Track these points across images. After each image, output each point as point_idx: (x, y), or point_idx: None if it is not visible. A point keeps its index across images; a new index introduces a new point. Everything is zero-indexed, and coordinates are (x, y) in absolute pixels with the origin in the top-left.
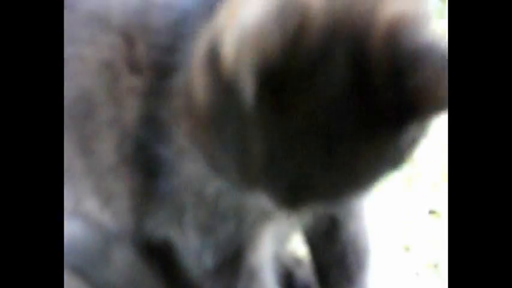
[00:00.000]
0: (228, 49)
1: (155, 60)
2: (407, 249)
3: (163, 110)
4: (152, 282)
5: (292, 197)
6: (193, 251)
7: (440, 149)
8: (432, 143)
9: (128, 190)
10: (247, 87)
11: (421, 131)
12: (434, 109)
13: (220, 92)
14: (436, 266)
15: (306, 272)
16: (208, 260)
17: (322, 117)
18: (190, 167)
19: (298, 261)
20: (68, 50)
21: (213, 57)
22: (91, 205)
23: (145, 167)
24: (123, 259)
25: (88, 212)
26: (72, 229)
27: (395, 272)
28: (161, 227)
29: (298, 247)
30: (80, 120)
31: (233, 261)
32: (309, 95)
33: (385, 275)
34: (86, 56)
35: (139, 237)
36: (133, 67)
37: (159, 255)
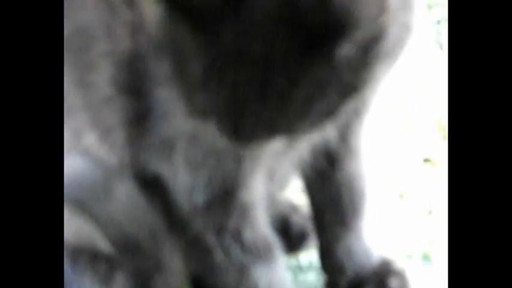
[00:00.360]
0: None
1: None
2: (402, 196)
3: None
4: (150, 216)
5: (236, 128)
6: (184, 187)
7: (435, 98)
8: (428, 93)
9: (123, 122)
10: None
11: (355, 53)
12: (359, 29)
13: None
14: (430, 212)
15: (302, 218)
16: (199, 197)
17: (249, 42)
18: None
19: (294, 208)
20: None
21: None
22: (89, 139)
23: (139, 98)
24: (123, 193)
25: (87, 147)
26: (73, 164)
27: (390, 217)
28: (153, 162)
29: (295, 195)
30: (76, 53)
31: (224, 198)
32: (236, 20)
33: (380, 220)
34: None
35: (137, 172)
36: (128, 0)
37: (155, 190)
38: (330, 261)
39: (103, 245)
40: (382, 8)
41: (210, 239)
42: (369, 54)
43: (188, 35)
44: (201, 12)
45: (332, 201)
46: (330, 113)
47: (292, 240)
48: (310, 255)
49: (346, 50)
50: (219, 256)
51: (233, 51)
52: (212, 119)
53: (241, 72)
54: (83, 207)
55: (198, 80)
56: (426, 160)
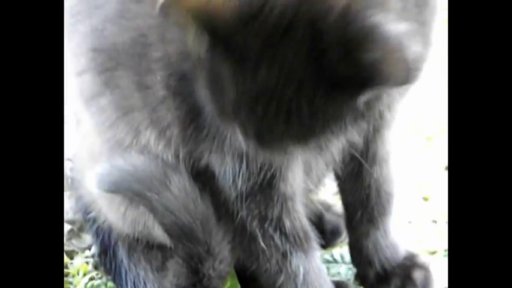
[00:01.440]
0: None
1: None
2: (426, 199)
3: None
4: (201, 206)
5: (259, 138)
6: (230, 176)
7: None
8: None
9: (177, 120)
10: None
11: (375, 97)
12: (383, 82)
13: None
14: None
15: (335, 215)
16: (243, 185)
17: (283, 80)
18: None
19: (327, 206)
20: None
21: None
22: (147, 137)
23: (190, 98)
24: (178, 185)
25: (146, 144)
26: (133, 160)
27: (415, 218)
28: (206, 154)
29: (329, 197)
30: (135, 59)
31: (265, 188)
32: (271, 61)
33: (405, 220)
34: None
35: (190, 165)
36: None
37: (206, 181)
38: (359, 256)
39: (157, 235)
40: (406, 65)
41: (254, 226)
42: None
43: (228, 68)
44: (241, 52)
45: (362, 201)
46: (342, 131)
47: (326, 236)
48: (342, 250)
49: (367, 96)
50: (262, 243)
51: (266, 85)
52: (242, 133)
53: (271, 102)
54: (142, 200)
55: (231, 105)
56: (447, 168)
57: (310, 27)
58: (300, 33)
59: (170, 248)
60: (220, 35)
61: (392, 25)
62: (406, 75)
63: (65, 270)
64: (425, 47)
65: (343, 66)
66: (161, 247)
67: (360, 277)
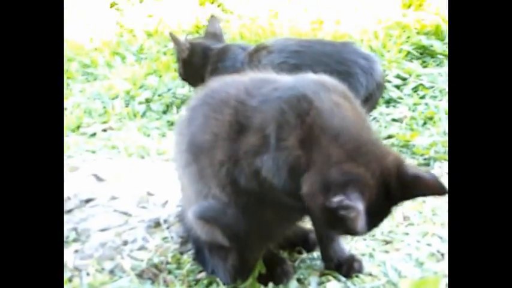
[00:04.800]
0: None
1: (245, 118)
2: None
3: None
4: (243, 223)
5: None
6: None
7: None
8: None
9: (229, 184)
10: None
11: None
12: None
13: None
14: (373, 236)
15: (314, 235)
16: None
17: (302, 211)
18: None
19: (310, 230)
20: (211, 115)
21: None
22: (215, 191)
23: (237, 171)
24: (231, 214)
25: (214, 195)
26: (209, 202)
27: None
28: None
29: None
30: (211, 149)
31: None
32: (302, 210)
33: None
34: (218, 118)
35: (239, 204)
36: (238, 122)
37: (244, 214)
38: (326, 255)
39: (221, 240)
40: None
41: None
42: None
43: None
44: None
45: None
46: None
47: (310, 245)
48: (318, 252)
49: None
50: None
51: (294, 210)
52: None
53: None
54: (214, 222)
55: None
56: None
57: (384, 180)
58: (380, 187)
59: (228, 247)
60: None
61: (355, 202)
62: (362, 227)
63: (181, 257)
64: None
65: (328, 220)
66: (224, 247)
67: (326, 266)
